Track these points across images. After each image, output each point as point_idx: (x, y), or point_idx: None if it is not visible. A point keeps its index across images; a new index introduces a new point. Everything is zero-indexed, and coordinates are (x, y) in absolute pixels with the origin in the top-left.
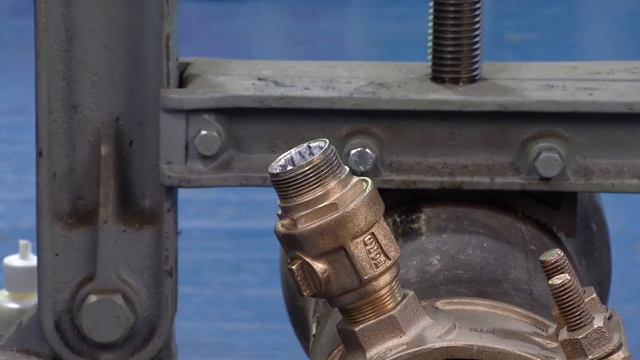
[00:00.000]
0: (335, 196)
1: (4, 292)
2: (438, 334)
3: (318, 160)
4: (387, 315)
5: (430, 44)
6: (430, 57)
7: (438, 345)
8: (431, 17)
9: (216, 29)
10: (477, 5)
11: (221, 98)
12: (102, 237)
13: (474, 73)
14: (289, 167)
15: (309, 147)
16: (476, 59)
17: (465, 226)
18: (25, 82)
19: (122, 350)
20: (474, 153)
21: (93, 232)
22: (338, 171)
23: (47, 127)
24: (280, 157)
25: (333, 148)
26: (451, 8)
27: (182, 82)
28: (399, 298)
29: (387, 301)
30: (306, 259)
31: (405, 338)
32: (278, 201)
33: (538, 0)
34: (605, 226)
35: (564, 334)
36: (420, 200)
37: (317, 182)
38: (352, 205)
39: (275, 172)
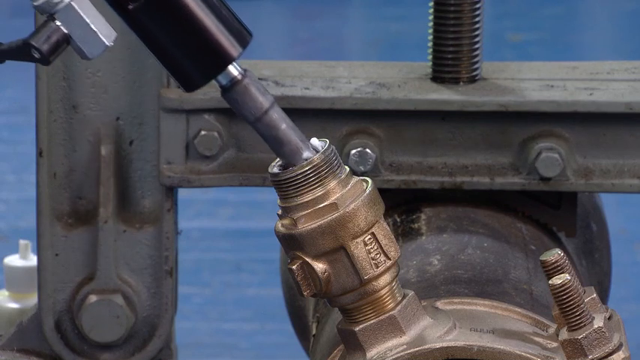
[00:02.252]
0: (335, 196)
1: (4, 292)
2: (438, 334)
3: (318, 160)
4: (387, 315)
5: (430, 44)
6: (430, 57)
7: (438, 345)
8: (431, 17)
9: None
10: (477, 5)
11: (221, 98)
12: (102, 237)
13: (474, 73)
14: (289, 167)
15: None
16: (476, 59)
17: (465, 226)
18: (25, 82)
19: (122, 350)
20: (474, 153)
21: (93, 232)
22: (338, 171)
23: (47, 127)
24: None
25: (333, 148)
26: (451, 8)
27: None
28: (399, 298)
29: (387, 301)
30: (306, 259)
31: (405, 338)
32: (278, 201)
33: (538, 0)
34: (605, 226)
35: (564, 334)
36: (420, 200)
37: (317, 182)
38: (352, 205)
39: (275, 172)
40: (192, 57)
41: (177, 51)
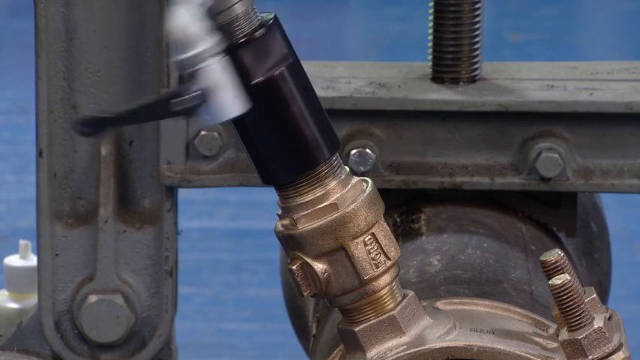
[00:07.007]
0: (335, 197)
1: (4, 292)
2: (438, 335)
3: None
4: (387, 315)
5: (430, 44)
6: (430, 57)
7: (438, 345)
8: (431, 17)
9: None
10: (477, 5)
11: None
12: (102, 237)
13: (474, 73)
14: None
15: None
16: (476, 59)
17: (465, 226)
18: (25, 82)
19: (122, 350)
20: (474, 153)
21: (93, 232)
22: (338, 171)
23: (47, 127)
24: None
25: None
26: (451, 8)
27: (182, 82)
28: (399, 299)
29: (387, 302)
30: (307, 260)
31: (405, 338)
32: (278, 201)
33: (538, 0)
34: (605, 226)
35: (564, 335)
36: (420, 200)
37: (317, 183)
38: (352, 206)
39: None
40: (284, 152)
41: (272, 143)
